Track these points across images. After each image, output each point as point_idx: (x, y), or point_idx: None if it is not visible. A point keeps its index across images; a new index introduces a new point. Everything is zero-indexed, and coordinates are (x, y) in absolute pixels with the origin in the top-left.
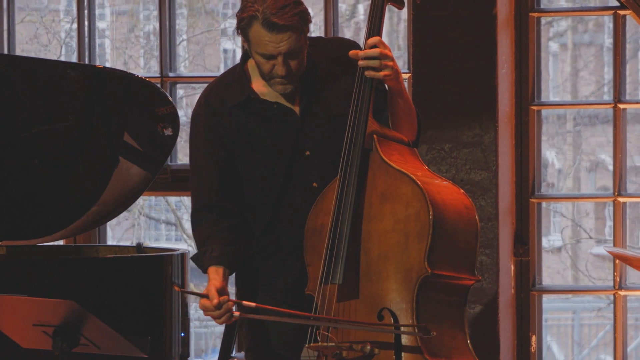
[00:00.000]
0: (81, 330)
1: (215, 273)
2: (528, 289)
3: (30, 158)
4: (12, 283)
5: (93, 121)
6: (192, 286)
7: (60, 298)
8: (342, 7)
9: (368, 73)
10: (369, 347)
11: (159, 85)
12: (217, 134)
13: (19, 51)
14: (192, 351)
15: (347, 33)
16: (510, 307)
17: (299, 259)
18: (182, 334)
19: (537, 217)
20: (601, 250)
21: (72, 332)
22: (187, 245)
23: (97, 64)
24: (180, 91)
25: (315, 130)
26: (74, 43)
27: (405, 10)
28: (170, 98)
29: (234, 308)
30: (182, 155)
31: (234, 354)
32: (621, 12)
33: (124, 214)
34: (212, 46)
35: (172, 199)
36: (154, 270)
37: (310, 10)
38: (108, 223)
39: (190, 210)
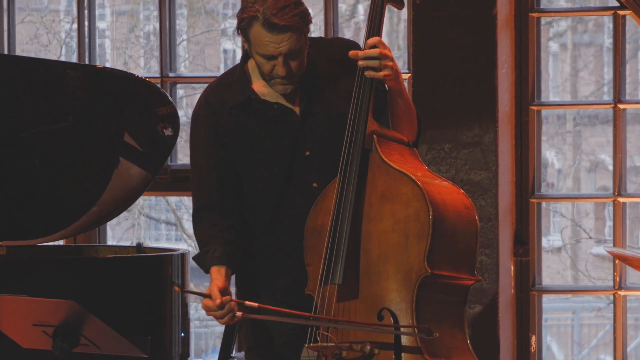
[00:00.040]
0: (81, 330)
1: (218, 273)
2: (528, 289)
3: (30, 158)
4: (12, 283)
5: (93, 121)
6: (192, 286)
7: (61, 298)
8: (342, 7)
9: (368, 73)
10: (368, 347)
11: (159, 86)
12: (217, 134)
13: (19, 51)
14: (192, 351)
15: (347, 33)
16: (510, 307)
17: (299, 259)
18: (182, 334)
19: (537, 217)
20: (601, 250)
21: (72, 332)
22: (187, 245)
23: (97, 64)
24: (180, 91)
25: (315, 130)
26: (74, 43)
27: (405, 11)
28: (170, 98)
29: (236, 308)
30: (182, 155)
31: (234, 354)
32: (621, 12)
33: (124, 214)
34: (212, 46)
35: (172, 199)
36: (154, 270)
37: (310, 11)
38: (108, 223)
39: (190, 211)
